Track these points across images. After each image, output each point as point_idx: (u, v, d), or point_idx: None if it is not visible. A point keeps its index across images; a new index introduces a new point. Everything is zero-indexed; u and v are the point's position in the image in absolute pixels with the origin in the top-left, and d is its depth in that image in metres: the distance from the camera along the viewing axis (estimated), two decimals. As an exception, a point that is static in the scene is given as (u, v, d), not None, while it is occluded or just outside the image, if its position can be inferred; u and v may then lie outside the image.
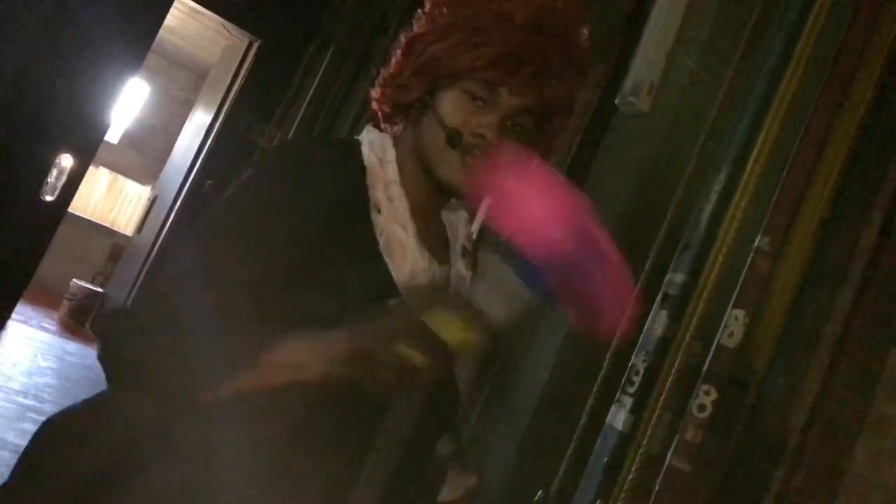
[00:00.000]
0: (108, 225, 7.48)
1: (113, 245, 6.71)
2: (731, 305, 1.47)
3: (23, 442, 2.87)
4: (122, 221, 8.07)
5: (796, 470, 1.61)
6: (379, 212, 0.87)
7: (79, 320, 5.54)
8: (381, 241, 0.86)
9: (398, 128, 0.94)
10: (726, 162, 1.63)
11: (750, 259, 1.48)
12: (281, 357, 0.74)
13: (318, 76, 4.71)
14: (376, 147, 0.91)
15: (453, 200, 0.96)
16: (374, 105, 0.96)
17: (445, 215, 0.97)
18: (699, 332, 1.51)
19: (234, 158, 5.12)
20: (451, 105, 0.86)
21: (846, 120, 1.55)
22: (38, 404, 3.47)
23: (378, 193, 0.88)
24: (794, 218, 1.53)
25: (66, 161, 4.83)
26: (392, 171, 0.90)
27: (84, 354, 4.85)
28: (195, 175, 5.16)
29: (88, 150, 4.88)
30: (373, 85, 0.97)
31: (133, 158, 8.34)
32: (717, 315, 1.50)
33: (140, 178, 8.34)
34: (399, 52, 0.92)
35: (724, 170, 1.62)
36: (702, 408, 1.43)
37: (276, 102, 5.08)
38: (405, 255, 0.87)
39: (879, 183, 1.76)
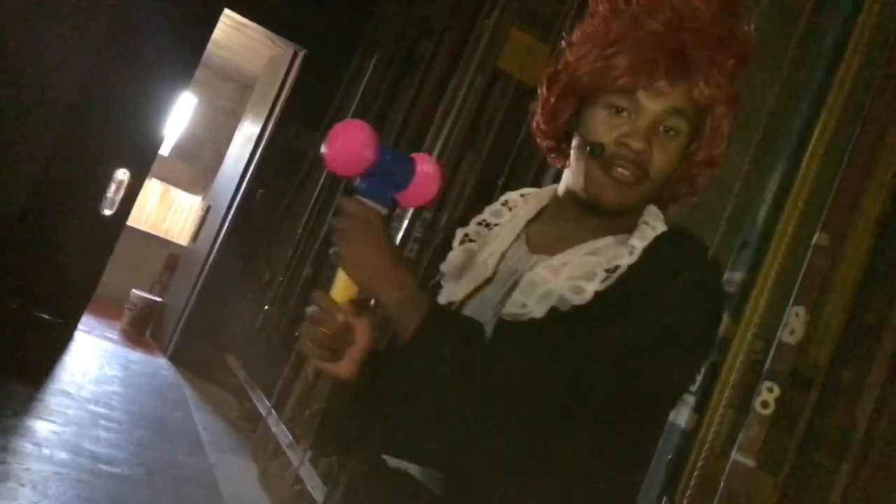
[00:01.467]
0: (162, 235, 7.69)
1: (168, 255, 6.91)
2: (791, 303, 1.48)
3: (98, 448, 2.99)
4: (176, 231, 8.30)
5: (863, 463, 1.61)
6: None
7: (139, 330, 5.73)
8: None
9: (565, 161, 0.93)
10: (782, 158, 1.64)
11: (809, 256, 1.48)
12: None
13: (364, 83, 4.79)
14: (535, 192, 1.00)
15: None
16: (539, 141, 0.96)
17: (606, 241, 0.89)
18: (760, 330, 1.52)
19: (284, 167, 5.26)
20: (595, 121, 0.85)
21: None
22: (108, 412, 3.62)
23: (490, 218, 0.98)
24: (852, 213, 1.53)
25: (123, 175, 5.00)
26: (524, 210, 0.97)
27: (146, 363, 5.01)
28: (246, 185, 5.29)
29: (144, 165, 5.05)
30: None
31: (183, 169, 8.56)
32: (777, 312, 1.51)
33: (191, 188, 8.56)
34: (544, 82, 0.91)
35: (781, 166, 1.63)
36: (765, 405, 1.44)
37: (322, 110, 5.18)
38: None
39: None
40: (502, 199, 1.00)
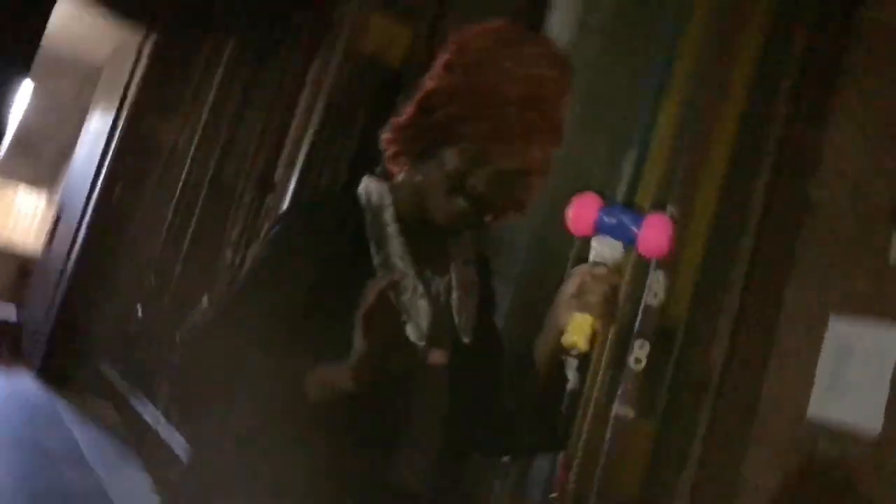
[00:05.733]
0: (5, 244, 7.15)
1: (18, 264, 6.45)
2: (652, 269, 1.68)
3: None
4: (19, 235, 7.75)
5: (719, 402, 1.86)
6: (379, 246, 1.04)
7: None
8: (379, 270, 1.03)
9: (402, 166, 1.11)
10: (634, 142, 1.83)
11: (665, 227, 1.68)
12: (318, 378, 0.92)
13: (221, 70, 4.67)
14: (374, 195, 1.08)
15: None
16: (382, 145, 1.11)
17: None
18: (629, 296, 1.72)
19: (142, 160, 5.05)
20: (453, 158, 1.03)
21: (733, 95, 1.76)
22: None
23: (377, 231, 1.05)
24: (696, 185, 1.74)
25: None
26: (389, 215, 1.06)
27: (11, 382, 4.72)
28: (103, 181, 5.04)
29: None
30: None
31: (22, 165, 7.97)
32: (641, 279, 1.71)
33: (33, 183, 8.00)
34: (412, 106, 1.07)
35: (633, 149, 1.82)
36: (637, 361, 1.64)
37: (177, 99, 5.01)
38: (404, 281, 1.03)
39: (766, 143, 2.01)
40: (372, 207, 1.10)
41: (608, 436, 1.63)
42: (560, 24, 2.10)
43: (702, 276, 1.86)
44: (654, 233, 0.98)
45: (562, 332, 0.99)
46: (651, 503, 1.86)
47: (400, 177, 1.12)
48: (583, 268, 1.01)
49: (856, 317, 1.87)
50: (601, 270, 0.98)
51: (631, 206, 1.81)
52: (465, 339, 1.11)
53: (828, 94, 1.89)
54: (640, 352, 1.66)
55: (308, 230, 1.05)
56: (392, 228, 1.06)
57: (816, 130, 1.88)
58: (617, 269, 1.00)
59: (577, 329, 0.97)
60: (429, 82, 1.07)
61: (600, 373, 1.72)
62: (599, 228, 1.00)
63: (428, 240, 1.11)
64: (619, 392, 1.67)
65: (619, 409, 1.65)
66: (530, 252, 1.99)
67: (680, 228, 1.75)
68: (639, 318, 1.68)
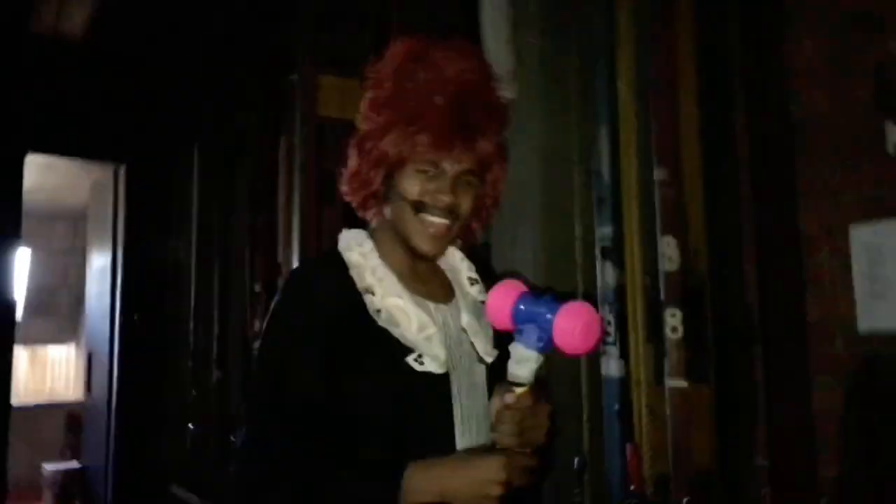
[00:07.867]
0: (49, 400, 7.23)
1: (66, 415, 6.50)
2: (659, 234, 1.64)
3: None
4: (61, 388, 7.82)
5: (769, 343, 1.81)
6: (373, 294, 1.02)
7: (69, 502, 5.39)
8: (380, 316, 1.01)
9: (373, 210, 1.13)
10: (602, 114, 1.80)
11: (657, 191, 1.65)
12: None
13: (196, 179, 4.72)
14: (353, 244, 1.08)
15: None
16: (347, 198, 1.12)
17: (441, 260, 1.15)
18: (644, 267, 1.68)
19: (151, 283, 5.08)
20: (408, 182, 1.04)
21: (682, 32, 1.73)
22: None
23: (367, 279, 1.04)
24: (675, 143, 1.71)
25: (-11, 358, 4.68)
26: (373, 258, 1.06)
27: (90, 531, 4.72)
28: (120, 316, 5.08)
29: (4, 338, 4.74)
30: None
31: (43, 324, 8.07)
32: (652, 248, 1.67)
33: (59, 339, 8.09)
34: (353, 152, 1.09)
35: (603, 123, 1.79)
36: (674, 330, 1.60)
37: (166, 212, 5.06)
38: (409, 318, 1.03)
39: (733, 83, 1.97)
40: (353, 260, 1.10)
41: (668, 412, 1.58)
42: (493, 27, 2.09)
43: (712, 225, 1.82)
44: (569, 322, 0.91)
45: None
46: (730, 464, 1.80)
47: (374, 221, 1.13)
48: (498, 392, 0.98)
49: (874, 218, 1.81)
50: (511, 399, 0.95)
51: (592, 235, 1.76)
52: (488, 360, 1.09)
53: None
54: (673, 320, 1.61)
55: (300, 304, 1.04)
56: (381, 271, 1.06)
57: (775, 41, 1.85)
58: (533, 382, 0.96)
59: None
60: (362, 125, 1.08)
61: (640, 353, 1.67)
62: (516, 319, 0.96)
63: (421, 272, 1.11)
64: (665, 366, 1.62)
65: (671, 382, 1.60)
66: (537, 248, 1.96)
67: (675, 188, 1.71)
68: (661, 286, 1.64)
